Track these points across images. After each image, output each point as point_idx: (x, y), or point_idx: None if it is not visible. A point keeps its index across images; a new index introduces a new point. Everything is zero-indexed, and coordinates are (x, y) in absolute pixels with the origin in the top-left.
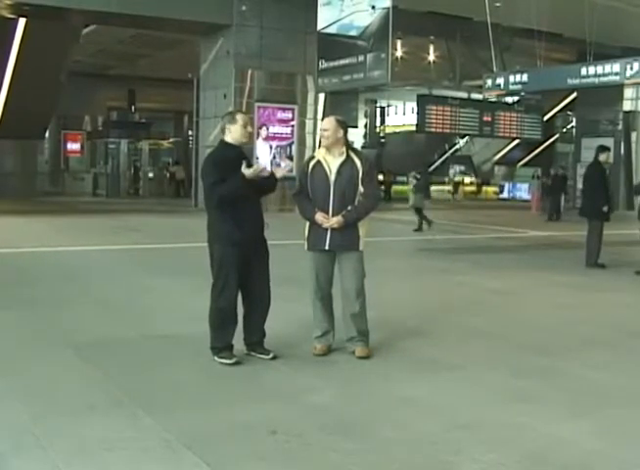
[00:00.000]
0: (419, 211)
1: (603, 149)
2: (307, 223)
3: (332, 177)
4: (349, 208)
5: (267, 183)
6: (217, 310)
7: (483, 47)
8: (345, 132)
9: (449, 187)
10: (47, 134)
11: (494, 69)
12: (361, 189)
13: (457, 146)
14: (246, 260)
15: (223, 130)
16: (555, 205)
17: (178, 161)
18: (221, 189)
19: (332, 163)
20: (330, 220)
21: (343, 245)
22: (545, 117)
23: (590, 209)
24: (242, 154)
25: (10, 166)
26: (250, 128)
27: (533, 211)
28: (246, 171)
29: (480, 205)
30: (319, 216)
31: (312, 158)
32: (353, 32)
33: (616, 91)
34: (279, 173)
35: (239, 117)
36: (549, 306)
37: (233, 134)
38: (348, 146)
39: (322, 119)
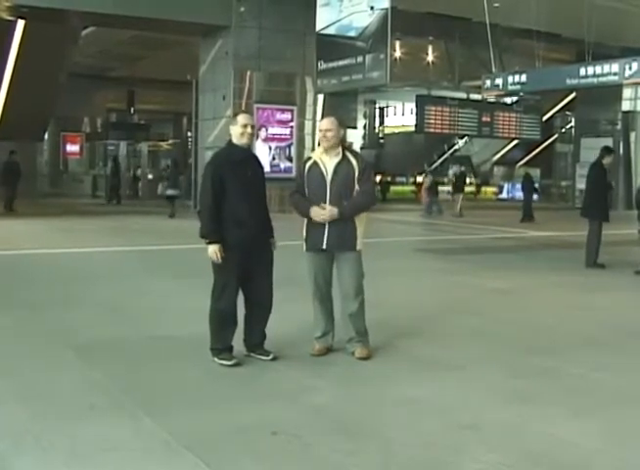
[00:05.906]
0: None
1: (609, 151)
2: (305, 225)
3: (328, 178)
4: (345, 203)
5: None
6: (217, 312)
7: (482, 48)
8: (344, 132)
9: (448, 188)
10: (46, 136)
11: (493, 69)
12: (357, 188)
13: (456, 146)
14: (246, 262)
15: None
16: (527, 205)
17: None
18: (205, 210)
19: (328, 163)
20: (325, 210)
21: (341, 245)
22: (544, 118)
23: (591, 209)
24: (249, 156)
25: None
26: (250, 129)
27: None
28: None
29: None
30: (315, 209)
31: (309, 159)
32: (352, 33)
33: (614, 91)
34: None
35: (239, 117)
36: (549, 307)
37: (233, 135)
38: (344, 146)
39: (320, 120)
